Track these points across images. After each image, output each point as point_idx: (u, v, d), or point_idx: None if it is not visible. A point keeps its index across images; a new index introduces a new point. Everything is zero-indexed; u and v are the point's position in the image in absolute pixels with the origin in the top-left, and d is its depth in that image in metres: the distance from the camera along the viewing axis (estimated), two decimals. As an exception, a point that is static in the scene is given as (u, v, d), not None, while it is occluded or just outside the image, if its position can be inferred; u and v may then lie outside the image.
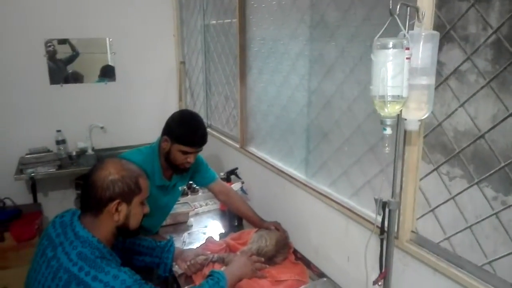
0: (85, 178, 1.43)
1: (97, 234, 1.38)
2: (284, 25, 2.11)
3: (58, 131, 3.43)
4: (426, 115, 1.19)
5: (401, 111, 1.15)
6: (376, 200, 1.21)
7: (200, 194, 2.78)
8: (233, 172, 2.65)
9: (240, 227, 2.39)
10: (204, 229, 2.40)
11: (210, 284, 1.59)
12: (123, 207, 1.40)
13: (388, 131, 1.10)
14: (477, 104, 1.18)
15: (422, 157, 1.37)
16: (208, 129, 3.22)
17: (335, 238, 1.83)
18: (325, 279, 1.86)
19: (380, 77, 1.03)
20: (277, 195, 2.30)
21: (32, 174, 3.09)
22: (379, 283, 1.30)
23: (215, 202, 2.68)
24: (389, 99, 1.03)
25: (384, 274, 1.28)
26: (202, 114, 3.10)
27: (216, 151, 3.07)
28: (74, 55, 3.51)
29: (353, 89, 1.64)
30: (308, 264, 1.99)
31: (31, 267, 1.44)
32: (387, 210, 1.21)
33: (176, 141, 1.92)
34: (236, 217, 2.42)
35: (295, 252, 2.07)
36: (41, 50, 3.36)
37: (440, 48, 1.20)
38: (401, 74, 1.03)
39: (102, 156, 3.41)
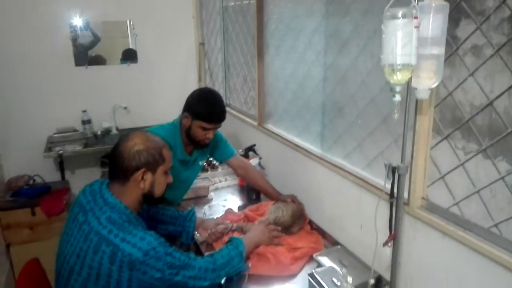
0: (113, 149, 1.53)
1: (124, 201, 1.48)
2: (300, 2, 2.15)
3: (84, 111, 3.57)
4: (436, 84, 1.23)
5: (411, 79, 1.20)
6: (386, 165, 1.27)
7: (219, 170, 2.87)
8: (251, 148, 2.73)
9: (258, 200, 2.47)
10: (223, 202, 2.49)
11: (230, 249, 1.69)
12: (148, 176, 1.50)
13: (397, 97, 1.15)
14: (489, 77, 1.21)
15: (433, 127, 1.41)
16: (227, 108, 3.30)
17: (349, 208, 1.90)
18: (339, 246, 1.93)
19: (390, 46, 1.08)
20: (293, 170, 2.37)
21: (60, 152, 3.24)
22: (389, 245, 1.36)
23: (234, 178, 2.77)
24: (399, 67, 1.07)
25: (393, 236, 1.34)
26: (221, 93, 3.14)
27: (235, 130, 3.15)
28: (95, 41, 3.62)
29: (367, 63, 1.68)
30: (323, 233, 2.06)
31: (64, 231, 1.55)
32: (396, 174, 1.26)
33: (196, 118, 2.00)
34: (254, 192, 2.50)
35: (311, 223, 2.15)
36: (66, 33, 3.48)
37: (457, 24, 1.23)
38: (410, 42, 1.08)
39: (126, 135, 3.53)
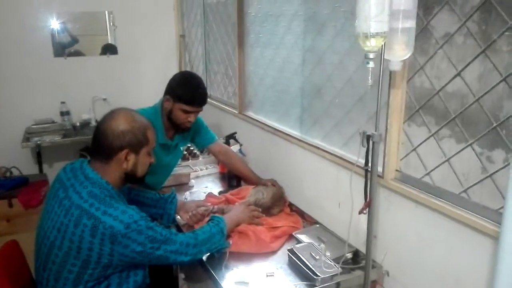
0: (97, 126, 1.52)
1: (106, 177, 1.49)
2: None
3: (63, 102, 3.55)
4: (408, 55, 1.30)
5: (383, 52, 1.26)
6: (360, 134, 1.32)
7: (200, 159, 2.89)
8: (231, 136, 2.76)
9: (238, 187, 2.50)
10: (204, 189, 2.51)
11: (211, 226, 1.71)
12: (132, 156, 1.51)
13: (371, 64, 1.21)
14: (457, 49, 1.28)
15: (405, 102, 1.48)
16: (208, 99, 3.34)
17: (327, 187, 1.95)
18: (317, 225, 1.98)
19: (364, 14, 1.13)
20: (273, 154, 2.42)
21: (39, 142, 3.21)
22: (364, 211, 1.42)
23: (215, 166, 2.79)
24: (372, 33, 1.13)
25: (368, 203, 1.40)
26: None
27: (215, 120, 3.18)
28: (73, 42, 3.62)
29: (344, 43, 1.74)
30: (302, 215, 2.11)
31: (44, 209, 1.56)
32: (371, 142, 1.32)
33: (177, 100, 2.02)
34: (234, 178, 2.53)
35: (290, 205, 2.19)
36: (44, 23, 3.45)
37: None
38: (383, 11, 1.14)
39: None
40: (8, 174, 3.33)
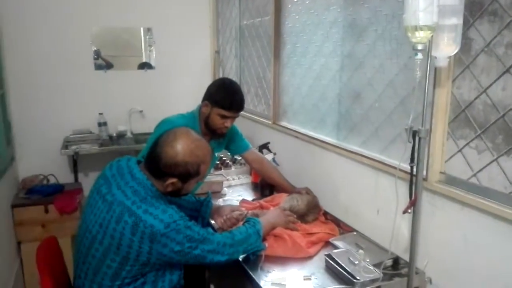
0: (156, 141, 1.51)
1: (151, 181, 1.49)
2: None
3: (101, 114, 3.65)
4: (455, 52, 1.28)
5: (430, 44, 1.25)
6: (406, 129, 1.30)
7: (232, 169, 2.90)
8: (265, 146, 2.76)
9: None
10: (237, 197, 2.50)
11: (247, 227, 1.70)
12: (178, 184, 1.51)
13: (419, 56, 1.20)
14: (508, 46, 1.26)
15: (450, 101, 1.45)
16: (242, 112, 3.37)
17: (365, 194, 1.91)
18: (355, 232, 1.94)
19: (413, 6, 1.14)
20: (308, 163, 2.40)
21: (77, 150, 3.30)
22: (409, 211, 1.38)
23: (247, 176, 2.79)
24: (420, 25, 1.13)
25: (414, 201, 1.36)
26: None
27: (249, 131, 3.19)
28: (107, 66, 3.76)
29: (385, 46, 1.74)
30: (337, 223, 2.06)
31: (87, 203, 1.59)
32: (417, 138, 1.30)
33: (215, 105, 2.06)
34: (267, 188, 2.52)
35: (325, 214, 2.15)
36: (86, 38, 3.60)
37: None
38: (432, 4, 1.14)
39: (140, 140, 3.59)
40: (45, 181, 3.43)
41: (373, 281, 1.51)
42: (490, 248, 1.33)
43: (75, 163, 3.49)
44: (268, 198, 2.29)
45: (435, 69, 1.39)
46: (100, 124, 3.64)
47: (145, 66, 3.88)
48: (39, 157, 3.53)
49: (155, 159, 1.48)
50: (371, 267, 1.57)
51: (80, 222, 1.59)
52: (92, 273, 1.48)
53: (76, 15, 3.54)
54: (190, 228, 1.45)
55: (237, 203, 2.30)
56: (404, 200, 1.47)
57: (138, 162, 1.56)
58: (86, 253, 1.49)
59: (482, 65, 1.34)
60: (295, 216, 1.99)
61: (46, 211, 3.09)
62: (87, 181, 3.69)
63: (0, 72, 3.07)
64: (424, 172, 1.51)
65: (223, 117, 2.07)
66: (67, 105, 3.62)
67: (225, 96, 2.06)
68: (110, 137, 3.66)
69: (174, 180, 1.48)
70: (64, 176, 3.58)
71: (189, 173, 1.49)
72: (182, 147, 1.47)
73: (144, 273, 1.47)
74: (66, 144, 3.40)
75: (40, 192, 3.19)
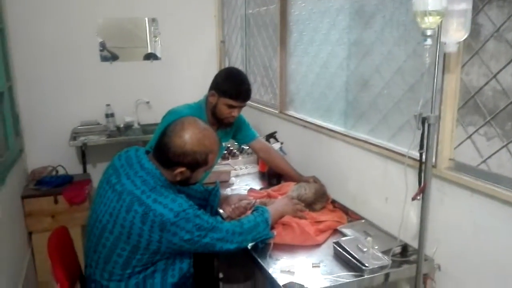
0: (164, 131, 1.52)
1: (160, 171, 1.50)
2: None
3: (108, 105, 3.66)
4: (464, 37, 1.27)
5: (440, 30, 1.24)
6: (415, 116, 1.30)
7: (240, 159, 2.91)
8: (272, 135, 2.76)
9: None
10: (245, 186, 2.51)
11: (256, 215, 1.71)
12: (187, 173, 1.52)
13: (429, 41, 1.19)
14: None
15: (460, 89, 1.44)
16: (248, 101, 3.36)
17: (373, 181, 1.91)
18: (363, 220, 1.94)
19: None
20: (315, 152, 2.40)
21: (85, 141, 3.33)
22: (418, 197, 1.37)
23: (254, 166, 2.80)
24: (429, 10, 1.12)
25: (423, 188, 1.35)
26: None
27: (256, 120, 3.18)
28: (113, 58, 3.75)
29: (393, 32, 1.72)
30: (345, 211, 2.06)
31: (97, 193, 1.60)
32: (426, 125, 1.29)
33: (222, 95, 2.05)
34: (274, 177, 2.52)
35: (333, 202, 2.15)
36: (92, 29, 3.60)
37: None
38: (441, -12, 1.13)
39: (147, 130, 3.60)
40: (54, 172, 3.46)
41: (381, 268, 1.51)
42: (500, 234, 1.33)
43: (84, 154, 3.52)
44: (276, 187, 2.29)
45: (444, 55, 1.38)
46: (107, 116, 3.65)
47: (150, 57, 3.88)
48: (48, 148, 3.56)
49: (163, 149, 1.49)
50: (380, 254, 1.57)
51: (90, 212, 1.61)
52: (103, 262, 1.50)
53: (81, 7, 3.54)
54: (199, 217, 1.46)
55: (245, 192, 2.31)
56: (413, 188, 1.46)
57: (147, 152, 1.57)
58: (97, 242, 1.51)
59: (492, 51, 1.32)
60: (303, 204, 1.99)
61: (56, 201, 3.12)
62: (96, 172, 3.72)
63: (7, 65, 3.08)
64: (433, 159, 1.50)
65: (230, 106, 2.07)
66: (74, 97, 3.64)
67: (232, 86, 2.05)
68: (118, 128, 3.68)
69: (182, 169, 1.49)
70: (72, 167, 3.61)
71: (197, 162, 1.50)
72: (190, 137, 1.47)
73: (154, 261, 1.49)
74: (74, 135, 3.43)
75: (49, 183, 3.22)
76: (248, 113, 2.16)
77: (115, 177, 1.52)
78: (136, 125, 3.75)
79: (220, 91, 2.06)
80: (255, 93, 3.38)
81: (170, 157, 1.47)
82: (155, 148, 1.54)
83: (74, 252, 1.82)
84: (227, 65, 3.98)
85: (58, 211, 3.13)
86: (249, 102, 2.23)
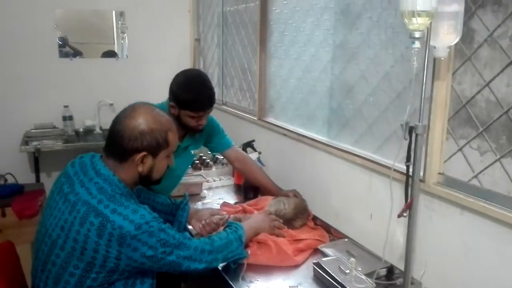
0: (114, 122, 1.49)
1: (118, 176, 1.47)
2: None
3: (66, 106, 3.60)
4: (455, 41, 1.30)
5: (429, 33, 1.26)
6: (402, 125, 1.31)
7: (213, 169, 2.89)
8: (249, 144, 2.76)
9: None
10: (218, 200, 2.49)
11: (228, 232, 1.69)
12: (149, 159, 1.49)
13: (417, 44, 1.21)
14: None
15: (450, 98, 1.47)
16: (223, 107, 3.35)
17: (357, 197, 1.93)
18: (346, 239, 1.95)
19: (410, -10, 1.15)
20: (296, 163, 2.40)
21: (38, 146, 3.25)
22: (405, 214, 1.39)
23: (229, 177, 2.79)
24: (418, 10, 1.14)
25: (409, 204, 1.37)
26: (217, 93, 3.22)
27: (232, 128, 3.17)
28: (75, 54, 3.72)
29: (380, 35, 1.75)
30: (327, 229, 2.07)
31: (47, 204, 1.56)
32: (413, 135, 1.31)
33: (182, 107, 2.02)
34: (251, 191, 2.51)
35: (314, 219, 2.16)
36: (50, 21, 3.54)
37: None
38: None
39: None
40: (2, 181, 3.37)
41: (364, 292, 1.52)
42: (492, 255, 1.35)
43: (37, 161, 3.45)
44: (252, 202, 2.28)
45: (434, 60, 1.40)
46: (65, 118, 3.59)
47: (116, 54, 3.84)
48: (-4, 154, 3.47)
49: (116, 139, 1.46)
50: (363, 277, 1.58)
51: (38, 227, 1.56)
52: (52, 283, 1.45)
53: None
54: (164, 231, 1.43)
55: (218, 207, 2.29)
56: (399, 203, 1.47)
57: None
58: (45, 260, 1.46)
59: (485, 58, 1.36)
60: (281, 221, 1.99)
61: (3, 214, 3.03)
62: (50, 182, 3.56)
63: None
64: (421, 173, 1.52)
65: (194, 117, 2.04)
66: (27, 96, 3.56)
67: (191, 95, 2.01)
68: (76, 132, 3.62)
69: (143, 153, 1.45)
70: (24, 175, 3.52)
71: (158, 142, 1.47)
72: (144, 116, 1.45)
73: (111, 281, 1.45)
74: (26, 139, 3.35)
75: (-4, 193, 3.14)
76: (223, 119, 2.15)
77: (68, 186, 1.48)
78: (97, 130, 3.69)
79: (179, 103, 2.03)
80: (231, 97, 3.39)
81: (126, 144, 1.44)
82: (107, 144, 1.50)
83: (20, 272, 1.76)
84: (202, 66, 3.98)
85: (5, 225, 3.04)
86: (225, 108, 2.23)
